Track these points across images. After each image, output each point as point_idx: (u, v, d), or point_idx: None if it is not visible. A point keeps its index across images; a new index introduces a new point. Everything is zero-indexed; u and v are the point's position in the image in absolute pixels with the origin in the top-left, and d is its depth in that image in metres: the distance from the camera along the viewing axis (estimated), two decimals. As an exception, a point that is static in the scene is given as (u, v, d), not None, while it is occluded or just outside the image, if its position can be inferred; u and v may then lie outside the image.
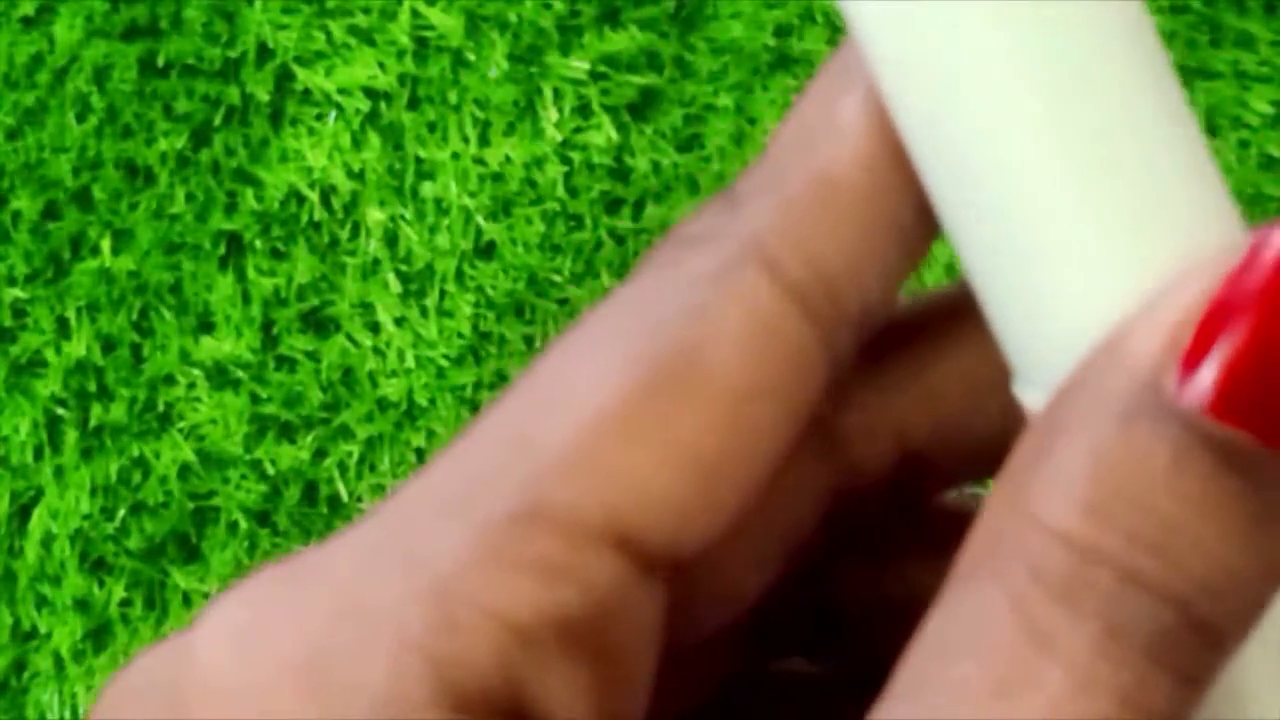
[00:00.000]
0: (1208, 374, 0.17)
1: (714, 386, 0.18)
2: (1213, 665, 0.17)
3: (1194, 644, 0.16)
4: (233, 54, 0.77)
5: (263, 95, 0.77)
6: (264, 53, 0.77)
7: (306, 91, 0.77)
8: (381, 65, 0.77)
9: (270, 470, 0.74)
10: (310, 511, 0.74)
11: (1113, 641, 0.16)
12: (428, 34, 0.77)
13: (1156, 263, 0.19)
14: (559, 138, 0.76)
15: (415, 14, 0.77)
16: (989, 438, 0.21)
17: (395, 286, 0.75)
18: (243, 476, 0.74)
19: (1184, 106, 0.20)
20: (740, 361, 0.18)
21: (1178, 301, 0.17)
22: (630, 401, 0.18)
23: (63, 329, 0.76)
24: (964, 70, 0.18)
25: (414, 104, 0.77)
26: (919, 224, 0.20)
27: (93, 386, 0.75)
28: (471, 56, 0.77)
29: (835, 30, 0.76)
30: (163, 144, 0.77)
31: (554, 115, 0.76)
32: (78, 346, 0.75)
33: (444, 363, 0.74)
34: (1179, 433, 0.16)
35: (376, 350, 0.75)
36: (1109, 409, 0.17)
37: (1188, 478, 0.16)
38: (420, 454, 0.74)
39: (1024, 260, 0.18)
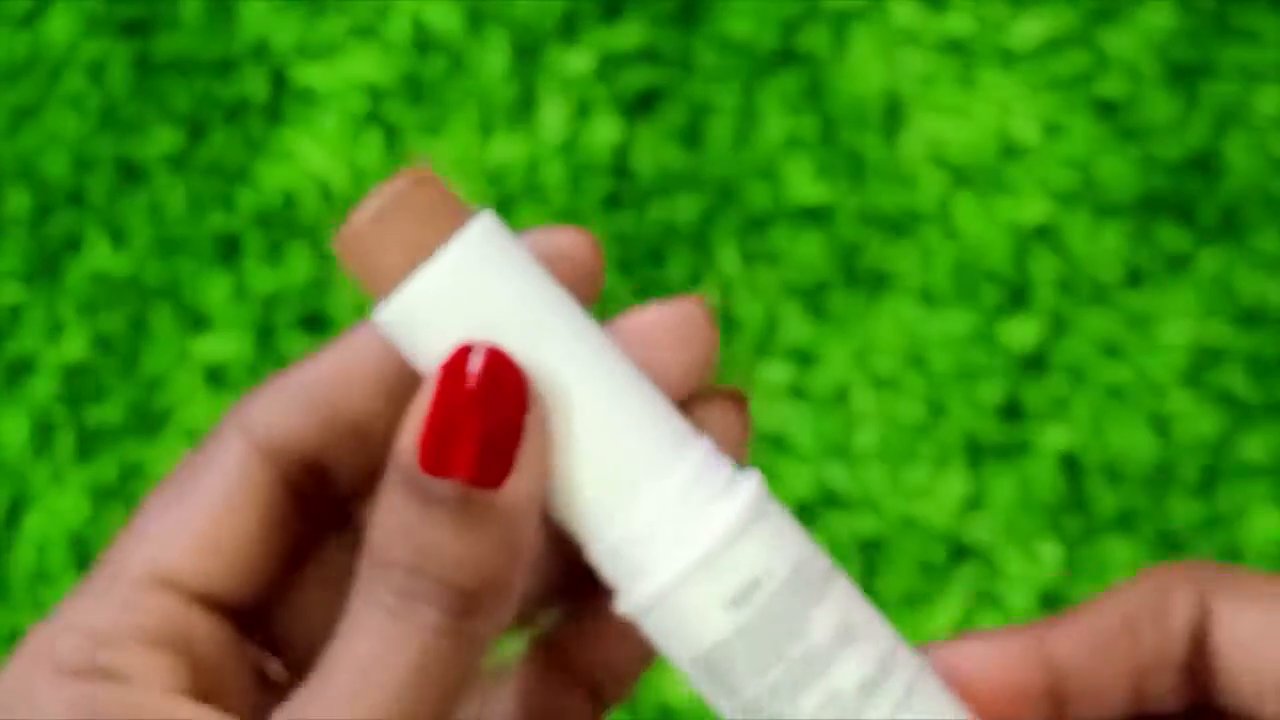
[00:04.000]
0: (409, 446, 0.28)
1: (215, 510, 0.31)
2: (475, 621, 0.28)
3: (455, 607, 0.28)
4: (230, 51, 0.77)
5: (260, 93, 0.77)
6: (261, 50, 0.77)
7: (304, 89, 0.77)
8: (380, 63, 0.77)
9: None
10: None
11: (405, 605, 0.28)
12: (427, 31, 0.77)
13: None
14: (560, 136, 0.76)
15: (415, 11, 0.77)
16: None
17: (394, 286, 0.75)
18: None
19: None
20: (225, 489, 0.31)
21: (415, 415, 0.28)
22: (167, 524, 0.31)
23: (57, 329, 0.75)
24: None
25: (413, 102, 0.77)
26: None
27: (88, 387, 0.75)
28: (471, 54, 0.77)
29: (838, 28, 0.76)
30: (159, 142, 0.76)
31: (555, 113, 0.76)
32: (73, 347, 0.75)
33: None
34: (404, 484, 0.28)
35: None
36: (390, 478, 0.29)
37: (412, 509, 0.28)
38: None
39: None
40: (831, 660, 0.29)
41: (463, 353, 0.28)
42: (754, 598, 0.29)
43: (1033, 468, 0.73)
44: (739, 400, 0.31)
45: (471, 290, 0.29)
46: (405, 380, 0.30)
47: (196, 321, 0.75)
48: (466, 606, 0.28)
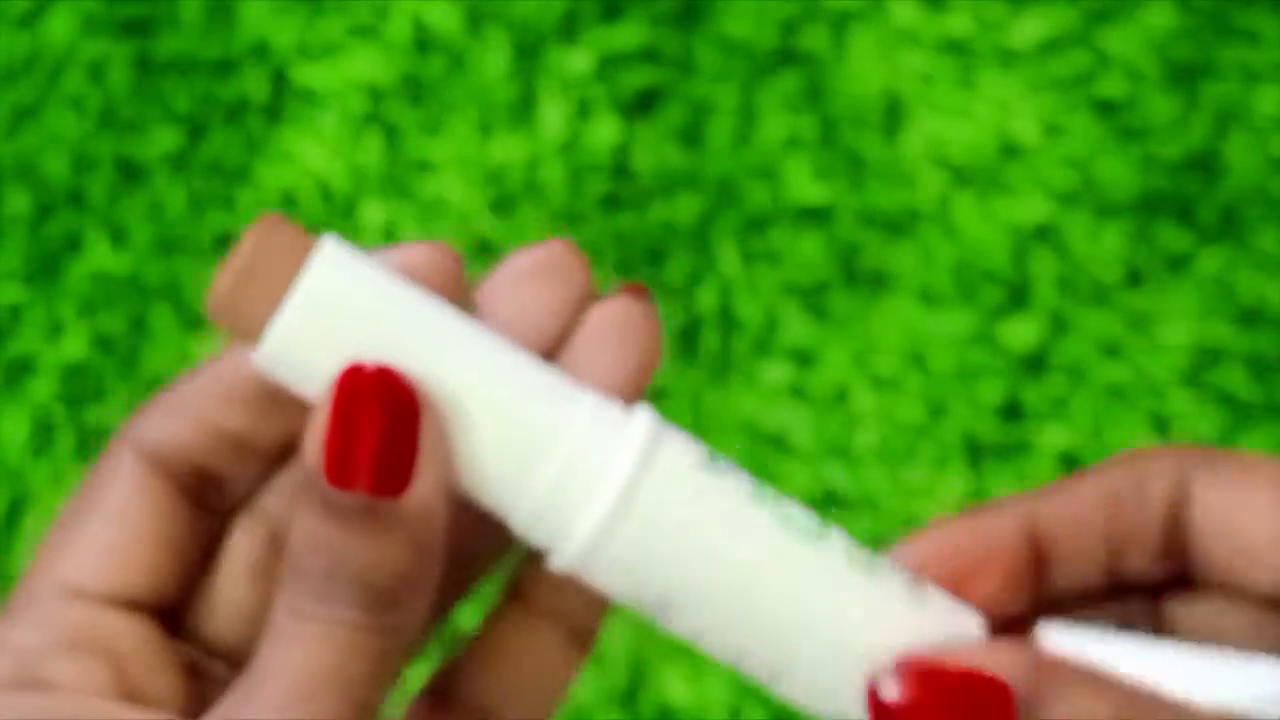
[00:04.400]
0: (313, 463, 0.30)
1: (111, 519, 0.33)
2: (394, 615, 0.30)
3: (372, 605, 0.30)
4: (230, 51, 0.77)
5: (260, 93, 0.77)
6: (261, 50, 0.77)
7: (304, 89, 0.77)
8: (380, 63, 0.77)
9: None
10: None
11: (325, 608, 0.30)
12: (427, 31, 0.77)
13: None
14: (560, 136, 0.76)
15: (415, 11, 0.77)
16: None
17: (394, 286, 0.75)
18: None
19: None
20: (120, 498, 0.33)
21: (315, 428, 0.30)
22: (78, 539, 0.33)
23: (57, 329, 0.75)
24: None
25: (413, 102, 0.77)
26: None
27: (88, 387, 0.75)
28: (471, 54, 0.77)
29: (838, 28, 0.76)
30: (159, 142, 0.76)
31: (555, 113, 0.76)
32: (73, 347, 0.75)
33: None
34: (313, 497, 0.30)
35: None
36: (300, 492, 0.30)
37: (323, 520, 0.30)
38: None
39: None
40: (770, 522, 0.31)
41: (351, 372, 0.30)
42: (670, 514, 0.30)
43: (1033, 468, 0.73)
44: (637, 294, 0.33)
45: (332, 311, 0.30)
46: (279, 391, 0.32)
47: (196, 321, 0.75)
48: (383, 603, 0.30)
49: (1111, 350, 0.74)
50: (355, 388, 0.30)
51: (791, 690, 0.31)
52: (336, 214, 0.76)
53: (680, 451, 0.31)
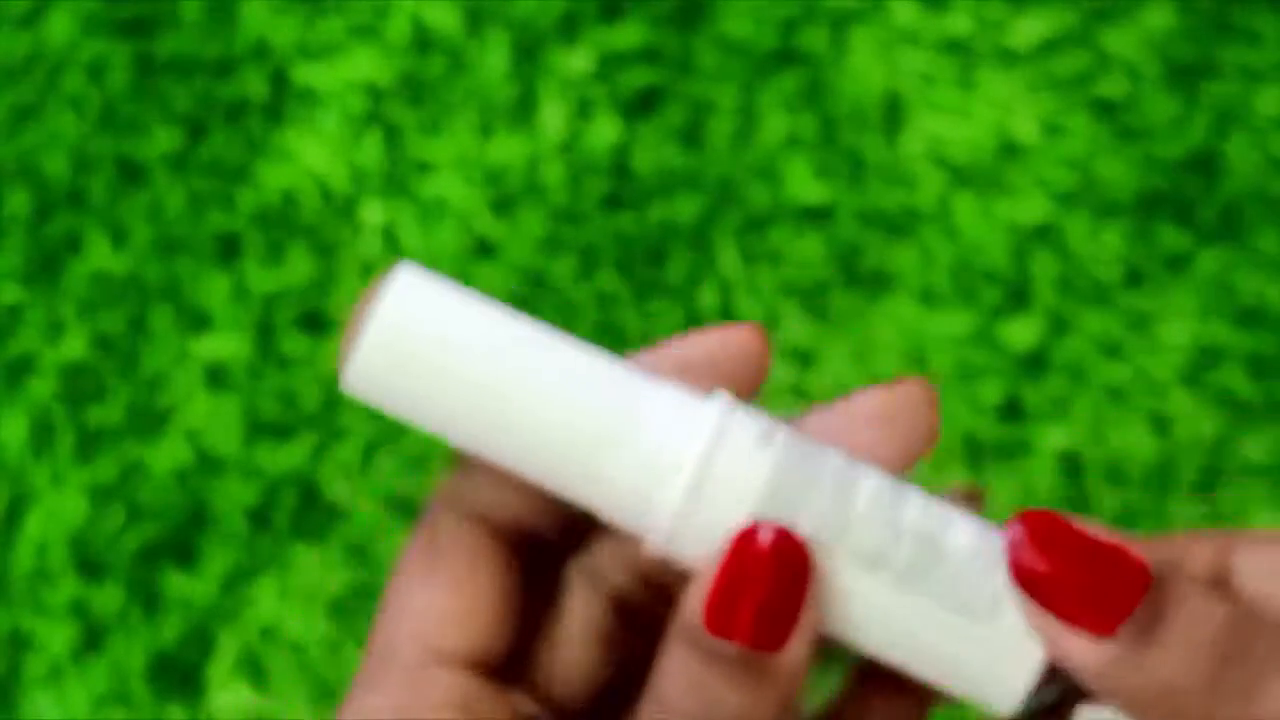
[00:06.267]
0: (695, 608, 0.31)
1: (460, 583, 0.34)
2: None
3: None
4: (230, 51, 0.77)
5: (260, 93, 0.77)
6: (261, 50, 0.77)
7: (304, 89, 0.77)
8: (380, 63, 0.77)
9: (267, 472, 0.74)
10: (308, 514, 0.74)
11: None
12: (427, 31, 0.77)
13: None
14: (560, 136, 0.76)
15: (415, 11, 0.77)
16: None
17: (394, 286, 0.75)
18: (240, 478, 0.74)
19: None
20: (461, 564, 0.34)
21: (703, 579, 0.31)
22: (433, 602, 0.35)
23: (58, 329, 0.75)
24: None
25: (413, 102, 0.77)
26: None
27: (88, 387, 0.75)
28: (471, 54, 0.77)
29: (838, 28, 0.76)
30: (159, 142, 0.76)
31: (555, 113, 0.76)
32: (73, 347, 0.75)
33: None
34: (691, 643, 0.31)
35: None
36: (676, 635, 0.32)
37: (697, 665, 0.31)
38: (419, 456, 0.74)
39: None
40: (857, 472, 0.32)
41: (753, 529, 0.31)
42: (775, 438, 0.33)
43: (1033, 468, 0.73)
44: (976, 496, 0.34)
45: (408, 333, 0.32)
46: None
47: (196, 321, 0.75)
48: None
49: (1111, 350, 0.74)
50: (756, 543, 0.31)
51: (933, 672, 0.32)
52: (336, 214, 0.76)
53: (750, 428, 0.33)
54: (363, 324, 0.32)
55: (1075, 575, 0.30)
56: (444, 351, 0.32)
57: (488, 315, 0.32)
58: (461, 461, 0.35)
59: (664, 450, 0.32)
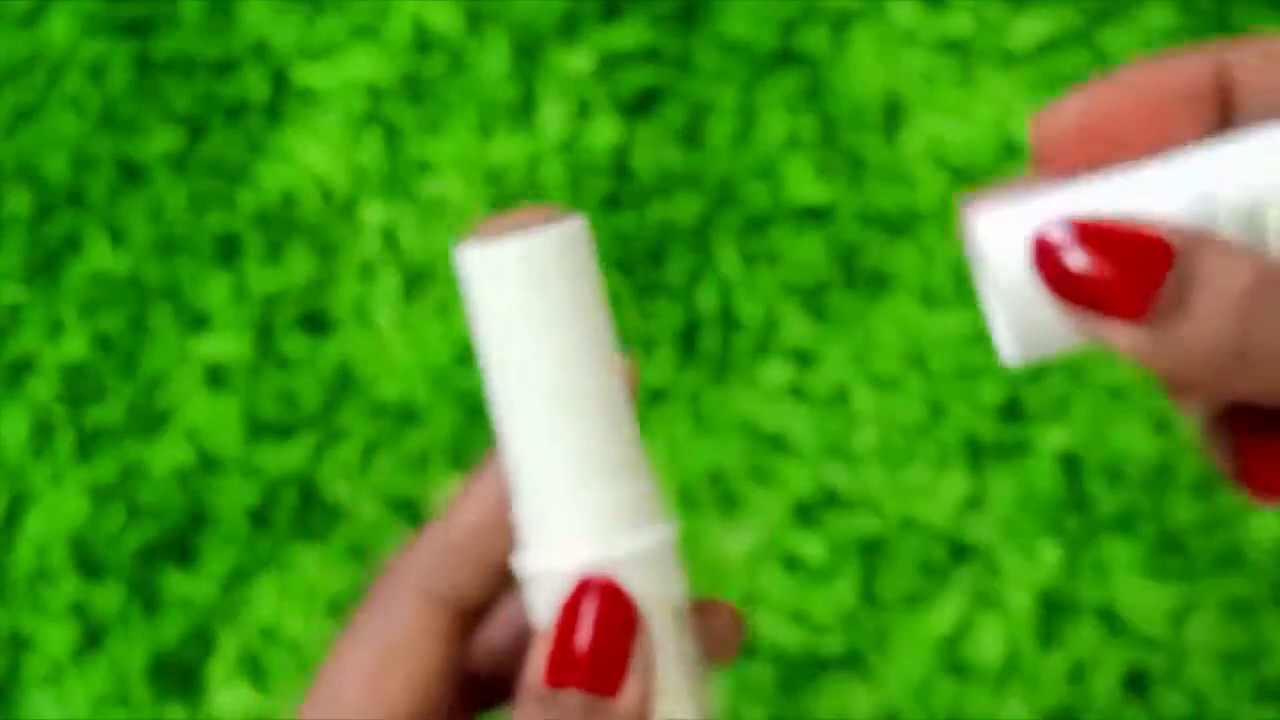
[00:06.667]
0: (536, 672, 0.34)
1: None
2: None
3: None
4: (230, 51, 0.77)
5: (260, 93, 0.77)
6: (261, 50, 0.77)
7: (304, 89, 0.77)
8: (380, 63, 0.77)
9: (267, 472, 0.74)
10: (308, 514, 0.74)
11: None
12: (427, 31, 0.77)
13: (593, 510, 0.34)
14: (560, 136, 0.76)
15: (415, 11, 0.77)
16: None
17: (394, 286, 0.75)
18: (240, 478, 0.74)
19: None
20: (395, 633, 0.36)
21: (541, 639, 0.34)
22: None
23: (57, 329, 0.75)
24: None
25: (413, 102, 0.77)
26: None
27: (88, 387, 0.75)
28: (471, 54, 0.77)
29: (838, 28, 0.76)
30: (159, 142, 0.76)
31: (555, 113, 0.76)
32: (73, 347, 0.75)
33: (443, 363, 0.74)
34: (535, 700, 0.34)
35: (375, 351, 0.75)
36: (522, 699, 0.34)
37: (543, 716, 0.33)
38: (420, 456, 0.74)
39: (526, 469, 0.34)
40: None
41: (580, 590, 0.33)
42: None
43: (1033, 468, 0.73)
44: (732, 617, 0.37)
45: (535, 273, 0.34)
46: None
47: (196, 321, 0.75)
48: None
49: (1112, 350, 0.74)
50: (581, 608, 0.33)
51: None
52: (336, 214, 0.76)
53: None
54: None
55: (1100, 269, 0.30)
56: (539, 308, 0.34)
57: (591, 308, 0.35)
58: (413, 535, 0.36)
59: (568, 532, 0.34)
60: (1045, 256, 0.30)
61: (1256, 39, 0.32)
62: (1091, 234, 0.30)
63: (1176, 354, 0.30)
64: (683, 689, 0.34)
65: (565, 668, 0.33)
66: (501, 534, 0.36)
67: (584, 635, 0.33)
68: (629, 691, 0.33)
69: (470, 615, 0.36)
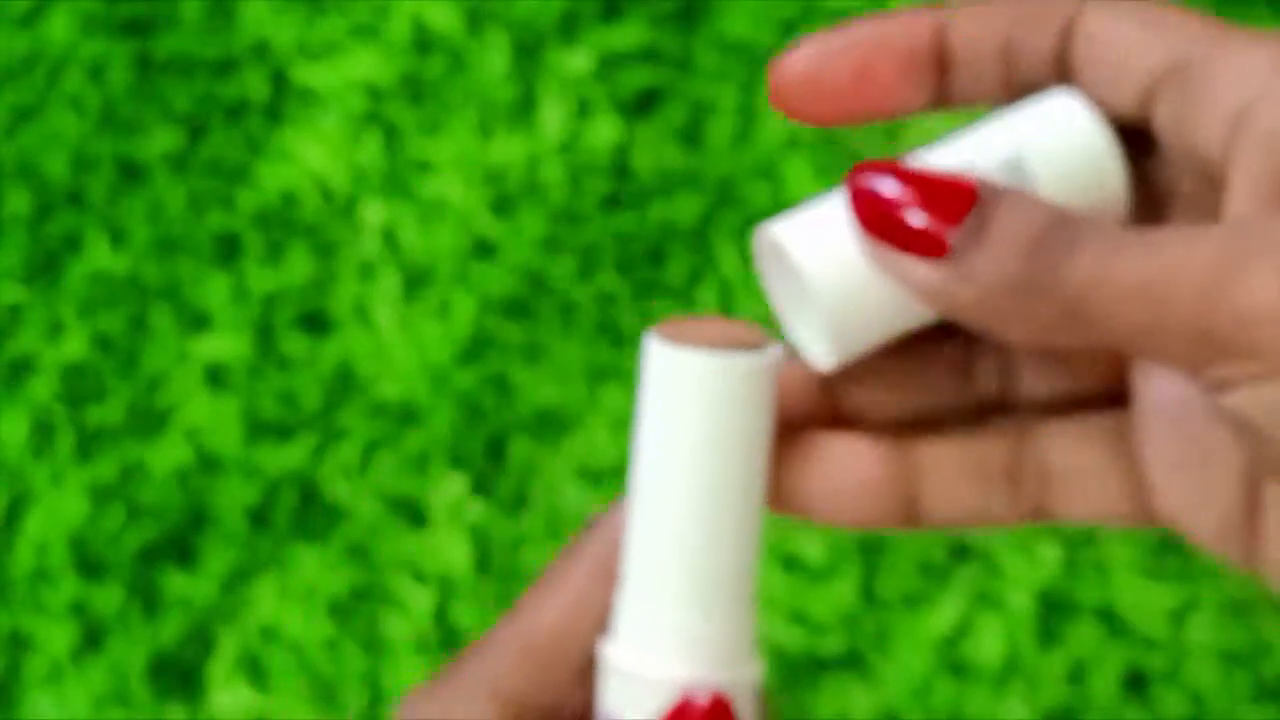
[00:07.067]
0: None
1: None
2: None
3: None
4: (230, 51, 0.77)
5: (260, 93, 0.77)
6: (261, 50, 0.77)
7: (304, 89, 0.77)
8: (380, 63, 0.77)
9: (267, 472, 0.74)
10: (308, 514, 0.74)
11: None
12: (427, 31, 0.77)
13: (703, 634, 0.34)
14: (560, 136, 0.76)
15: (415, 11, 0.77)
16: None
17: (394, 286, 0.75)
18: (240, 478, 0.74)
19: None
20: None
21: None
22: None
23: (57, 329, 0.75)
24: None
25: (413, 102, 0.77)
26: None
27: (88, 387, 0.75)
28: (471, 54, 0.77)
29: (838, 27, 0.76)
30: (159, 142, 0.76)
31: (555, 113, 0.76)
32: (72, 347, 0.75)
33: (443, 363, 0.74)
34: None
35: (375, 351, 0.75)
36: None
37: None
38: (420, 456, 0.74)
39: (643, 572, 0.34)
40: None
41: (691, 699, 0.33)
42: None
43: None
44: None
45: (717, 394, 0.34)
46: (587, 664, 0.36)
47: (196, 321, 0.75)
48: None
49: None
50: (689, 706, 0.33)
51: None
52: (336, 214, 0.76)
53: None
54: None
55: (906, 205, 0.31)
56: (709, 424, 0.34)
57: (756, 442, 0.34)
58: (479, 642, 0.37)
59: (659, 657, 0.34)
60: (861, 196, 0.31)
61: (977, 3, 0.34)
62: (903, 175, 0.31)
63: (965, 290, 0.31)
64: None
65: None
66: (580, 638, 0.35)
67: None
68: None
69: (542, 717, 0.36)
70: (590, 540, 0.36)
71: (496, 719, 0.35)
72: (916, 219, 0.31)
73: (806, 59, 0.33)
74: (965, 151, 0.32)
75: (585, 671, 0.35)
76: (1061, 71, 0.33)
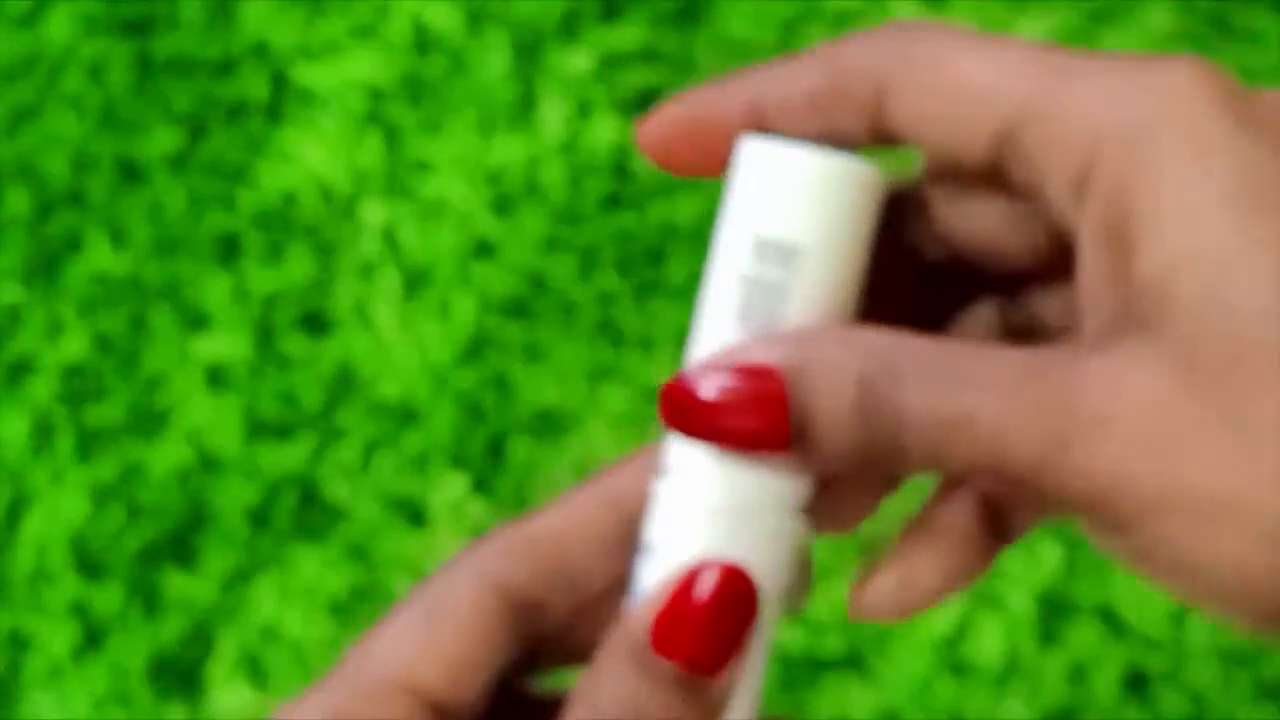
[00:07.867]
0: (642, 624, 0.32)
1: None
2: None
3: None
4: (230, 51, 0.77)
5: (260, 93, 0.77)
6: (261, 50, 0.77)
7: (304, 89, 0.77)
8: (380, 63, 0.77)
9: (267, 472, 0.74)
10: (308, 514, 0.74)
11: None
12: (427, 31, 0.77)
13: None
14: (560, 136, 0.76)
15: (415, 11, 0.77)
16: None
17: (394, 286, 0.75)
18: (240, 478, 0.74)
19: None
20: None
21: (654, 599, 0.33)
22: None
23: (57, 329, 0.75)
24: None
25: (413, 102, 0.77)
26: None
27: (88, 387, 0.75)
28: (471, 54, 0.77)
29: (839, 27, 0.76)
30: (159, 142, 0.76)
31: (555, 113, 0.76)
32: (73, 347, 0.75)
33: (443, 363, 0.74)
34: (632, 655, 0.33)
35: (375, 351, 0.75)
36: (616, 644, 0.33)
37: (635, 678, 0.32)
38: (420, 456, 0.74)
39: None
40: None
41: (707, 565, 0.33)
42: None
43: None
44: None
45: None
46: (622, 541, 0.36)
47: (196, 321, 0.75)
48: None
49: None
50: (704, 579, 0.33)
51: None
52: (336, 214, 0.76)
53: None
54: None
55: (730, 413, 0.32)
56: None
57: None
58: (485, 531, 0.36)
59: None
60: (686, 418, 0.32)
61: (786, 70, 0.35)
62: (705, 396, 0.32)
63: (818, 465, 0.33)
64: (752, 690, 0.34)
65: (676, 632, 0.32)
66: (581, 546, 0.35)
67: (704, 607, 0.33)
68: (727, 677, 0.33)
69: (526, 613, 0.35)
70: (603, 472, 0.36)
71: (477, 595, 0.35)
72: (746, 422, 0.32)
73: (653, 128, 0.35)
74: (728, 294, 0.33)
75: (577, 579, 0.35)
76: (883, 137, 0.35)
